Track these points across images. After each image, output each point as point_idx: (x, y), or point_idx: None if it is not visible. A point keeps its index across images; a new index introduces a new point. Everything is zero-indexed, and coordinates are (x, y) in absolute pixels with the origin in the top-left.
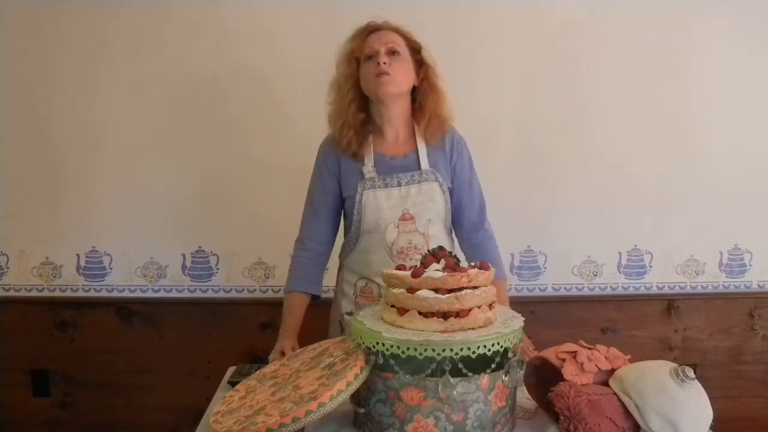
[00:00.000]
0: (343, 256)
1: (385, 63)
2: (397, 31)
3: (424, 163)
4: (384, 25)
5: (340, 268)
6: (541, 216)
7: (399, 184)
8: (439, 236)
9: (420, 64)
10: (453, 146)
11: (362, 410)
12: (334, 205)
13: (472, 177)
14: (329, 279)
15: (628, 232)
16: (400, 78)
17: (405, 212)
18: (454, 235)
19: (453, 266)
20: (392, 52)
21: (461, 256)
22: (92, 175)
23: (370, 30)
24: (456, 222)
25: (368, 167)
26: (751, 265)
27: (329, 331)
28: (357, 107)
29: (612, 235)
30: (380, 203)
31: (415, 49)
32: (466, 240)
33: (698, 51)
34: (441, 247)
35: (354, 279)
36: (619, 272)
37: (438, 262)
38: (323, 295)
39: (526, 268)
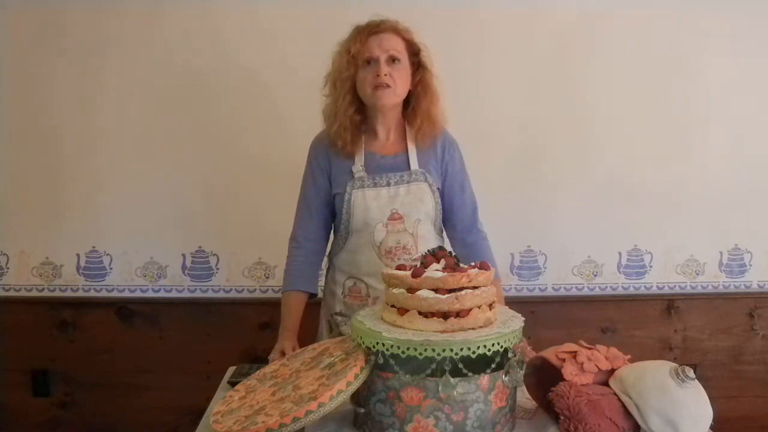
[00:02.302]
0: (332, 254)
1: (385, 75)
2: (397, 32)
3: (414, 164)
4: (385, 27)
5: (329, 268)
6: (541, 216)
7: (388, 184)
8: (428, 236)
9: (417, 66)
10: (445, 148)
11: (362, 410)
12: (327, 202)
13: (464, 179)
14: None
15: (628, 232)
16: (398, 89)
17: (394, 212)
18: (444, 235)
19: (453, 266)
20: (392, 60)
21: None
22: (92, 175)
23: (370, 31)
24: (448, 223)
25: (357, 166)
26: (751, 265)
27: (318, 330)
28: (355, 110)
29: (612, 235)
30: (369, 203)
31: (414, 52)
32: (459, 240)
33: (699, 52)
34: (441, 247)
35: (342, 279)
36: (619, 272)
37: (438, 262)
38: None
39: (526, 268)
